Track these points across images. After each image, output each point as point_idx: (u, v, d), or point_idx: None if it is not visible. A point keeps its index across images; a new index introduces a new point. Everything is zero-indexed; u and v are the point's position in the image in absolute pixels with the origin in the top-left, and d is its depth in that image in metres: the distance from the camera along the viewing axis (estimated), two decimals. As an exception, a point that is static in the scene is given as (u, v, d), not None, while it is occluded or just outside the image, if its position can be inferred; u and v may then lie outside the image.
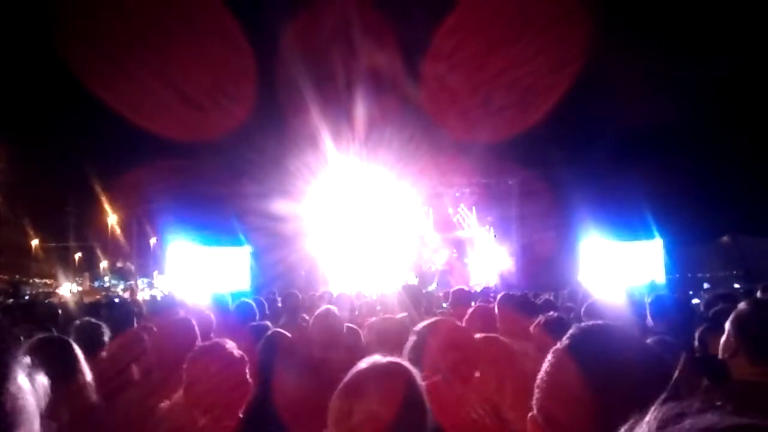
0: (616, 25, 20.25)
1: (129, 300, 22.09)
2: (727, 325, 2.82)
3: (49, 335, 3.43)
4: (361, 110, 23.04)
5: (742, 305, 2.85)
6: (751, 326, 2.73)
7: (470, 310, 4.82)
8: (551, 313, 4.64)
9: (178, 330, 3.85)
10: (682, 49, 20.03)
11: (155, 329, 4.53)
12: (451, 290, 7.10)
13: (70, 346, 3.15)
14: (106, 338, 4.56)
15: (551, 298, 11.39)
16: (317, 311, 4.32)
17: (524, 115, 21.34)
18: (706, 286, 11.15)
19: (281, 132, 22.27)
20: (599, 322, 1.57)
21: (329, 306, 4.46)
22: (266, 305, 6.85)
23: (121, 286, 33.52)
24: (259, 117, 22.90)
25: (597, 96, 20.54)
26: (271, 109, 22.76)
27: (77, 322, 4.81)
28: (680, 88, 20.09)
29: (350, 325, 4.40)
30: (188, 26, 19.93)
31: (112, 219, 31.50)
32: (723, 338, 2.83)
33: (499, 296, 4.64)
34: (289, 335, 4.19)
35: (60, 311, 6.99)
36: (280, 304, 9.20)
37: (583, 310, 6.82)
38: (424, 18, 21.10)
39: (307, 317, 6.55)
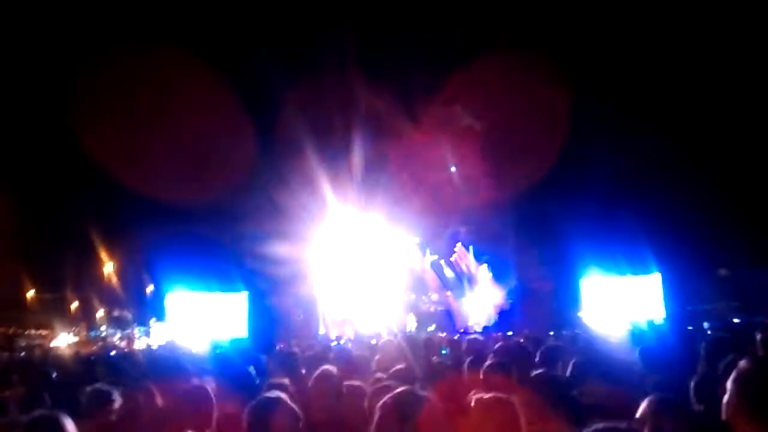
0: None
1: (126, 350, 21.96)
2: (729, 384, 2.80)
3: (41, 415, 3.37)
4: (358, 153, 23.18)
5: (743, 363, 2.83)
6: (753, 386, 2.72)
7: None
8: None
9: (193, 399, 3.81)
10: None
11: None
12: (466, 338, 7.04)
13: (61, 426, 3.14)
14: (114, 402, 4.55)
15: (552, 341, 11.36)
16: (316, 373, 4.29)
17: (519, 158, 21.47)
18: (706, 325, 11.08)
19: (279, 175, 22.32)
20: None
21: (328, 367, 4.42)
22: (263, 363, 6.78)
23: (118, 335, 33.21)
24: (257, 161, 23.03)
25: (591, 130, 20.67)
26: (270, 152, 22.86)
27: (88, 389, 4.77)
28: (674, 121, 20.28)
29: (354, 383, 4.34)
30: (184, 82, 20.09)
31: (109, 267, 31.38)
32: (725, 397, 2.81)
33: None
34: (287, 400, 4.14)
35: (54, 373, 6.90)
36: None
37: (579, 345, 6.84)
38: (422, 66, 21.29)
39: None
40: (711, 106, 20.13)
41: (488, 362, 4.61)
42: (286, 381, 4.42)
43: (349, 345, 12.96)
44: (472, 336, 7.07)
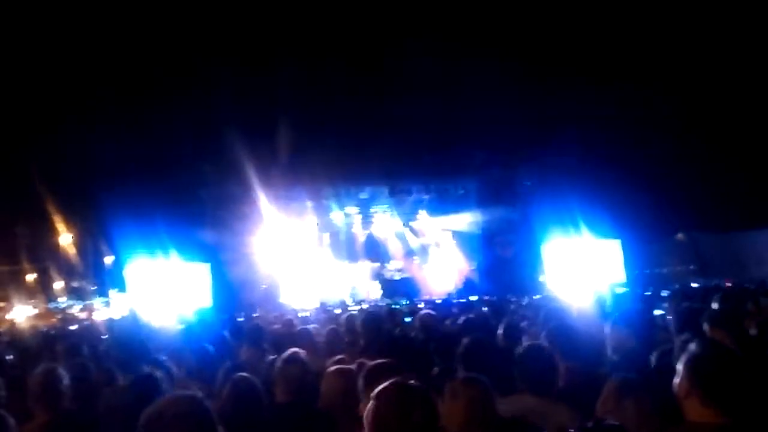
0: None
1: (87, 321, 21.66)
2: (680, 366, 2.85)
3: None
4: (317, 116, 22.83)
5: (694, 347, 2.87)
6: (703, 368, 2.77)
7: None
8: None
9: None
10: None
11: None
12: (419, 315, 7.01)
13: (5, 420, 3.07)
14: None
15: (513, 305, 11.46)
16: (283, 355, 4.24)
17: (480, 119, 21.43)
18: (665, 293, 11.29)
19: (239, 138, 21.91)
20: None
21: (296, 350, 4.37)
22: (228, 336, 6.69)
23: (78, 307, 32.70)
24: (217, 128, 22.59)
25: (554, 98, 20.73)
26: (228, 106, 22.40)
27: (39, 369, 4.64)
28: (634, 88, 20.42)
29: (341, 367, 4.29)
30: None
31: (66, 237, 30.75)
32: (677, 379, 2.85)
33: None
34: (257, 383, 4.09)
35: (9, 355, 6.71)
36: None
37: (543, 316, 6.87)
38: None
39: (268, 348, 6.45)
40: (670, 72, 20.32)
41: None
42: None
43: (312, 314, 12.96)
44: (425, 313, 7.02)
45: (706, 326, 4.76)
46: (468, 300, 16.04)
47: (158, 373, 4.17)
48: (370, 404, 2.69)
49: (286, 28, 20.93)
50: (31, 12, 19.07)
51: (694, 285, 15.71)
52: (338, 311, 13.47)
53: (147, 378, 4.06)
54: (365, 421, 2.67)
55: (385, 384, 2.76)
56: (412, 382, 2.76)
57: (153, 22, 19.88)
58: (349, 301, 21.24)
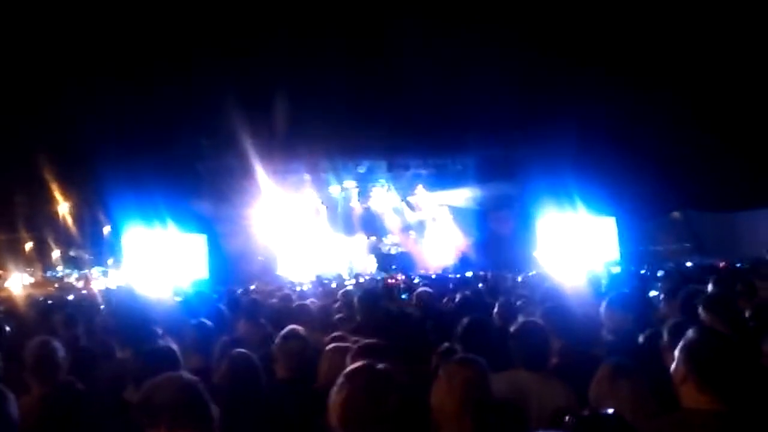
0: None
1: (84, 291, 21.74)
2: (677, 353, 2.88)
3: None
4: (316, 89, 22.68)
5: (690, 333, 2.90)
6: (699, 354, 2.80)
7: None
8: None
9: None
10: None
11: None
12: (416, 292, 7.08)
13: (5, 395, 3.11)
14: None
15: (510, 281, 11.54)
16: (282, 331, 4.29)
17: (479, 95, 21.32)
18: (660, 273, 11.37)
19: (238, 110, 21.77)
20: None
21: (295, 326, 4.41)
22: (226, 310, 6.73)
23: (75, 276, 32.81)
24: (214, 101, 22.47)
25: (552, 77, 20.65)
26: (231, 88, 22.28)
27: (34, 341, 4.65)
28: (631, 68, 20.34)
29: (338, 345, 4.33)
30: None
31: (64, 207, 30.72)
32: (673, 365, 2.89)
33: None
34: (255, 359, 4.12)
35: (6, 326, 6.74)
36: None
37: (540, 295, 6.94)
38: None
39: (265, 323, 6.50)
40: (668, 54, 20.22)
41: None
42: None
43: (309, 289, 13.03)
44: (421, 290, 7.07)
45: (701, 310, 4.81)
46: (464, 276, 16.13)
47: (174, 346, 4.18)
48: (339, 385, 2.56)
49: (284, 1, 20.74)
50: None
51: (689, 264, 15.78)
52: (334, 285, 13.54)
53: (166, 350, 4.07)
54: (332, 405, 2.53)
55: (357, 365, 2.66)
56: (383, 365, 2.62)
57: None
58: (345, 275, 21.33)
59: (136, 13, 19.69)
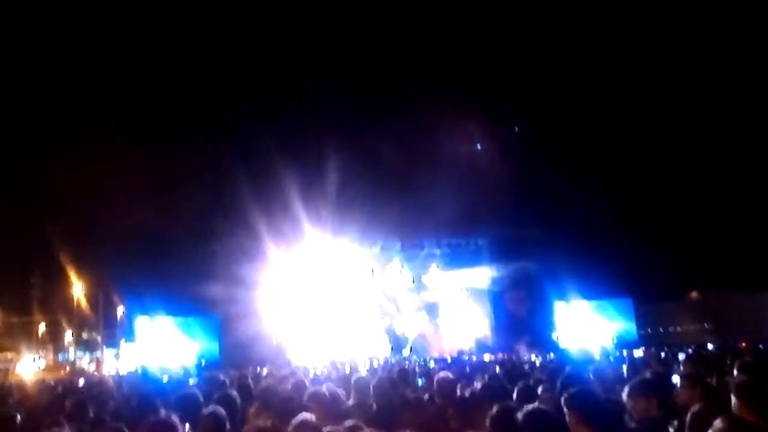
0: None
1: (95, 373, 21.51)
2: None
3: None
4: (332, 168, 23.04)
5: (719, 423, 2.80)
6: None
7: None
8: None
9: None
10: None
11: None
12: (436, 378, 6.87)
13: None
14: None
15: (529, 362, 11.30)
16: (295, 422, 4.15)
17: (493, 177, 21.55)
18: (681, 356, 11.12)
19: (253, 197, 22.13)
20: None
21: (306, 416, 4.28)
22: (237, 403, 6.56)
23: (87, 359, 32.58)
24: (226, 179, 22.86)
25: (567, 161, 20.89)
26: (243, 173, 22.71)
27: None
28: (648, 152, 20.57)
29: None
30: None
31: (78, 289, 30.75)
32: None
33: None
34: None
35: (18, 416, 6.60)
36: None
37: (560, 382, 6.73)
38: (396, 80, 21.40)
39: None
40: (682, 142, 20.46)
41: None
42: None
43: (323, 374, 12.78)
44: (442, 375, 6.87)
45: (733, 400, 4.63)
46: (480, 359, 15.83)
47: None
48: None
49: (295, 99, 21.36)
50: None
51: (710, 346, 15.43)
52: (348, 370, 13.30)
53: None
54: None
55: None
56: None
57: (166, 74, 20.30)
58: (359, 361, 21.00)
59: (154, 96, 20.28)
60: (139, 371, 21.19)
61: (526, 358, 14.13)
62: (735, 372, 6.36)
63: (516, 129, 20.70)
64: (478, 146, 21.85)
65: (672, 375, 7.70)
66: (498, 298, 25.25)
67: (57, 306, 31.90)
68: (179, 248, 22.48)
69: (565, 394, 4.84)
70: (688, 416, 3.79)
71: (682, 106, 20.07)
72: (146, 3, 20.04)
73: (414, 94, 21.64)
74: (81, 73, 19.95)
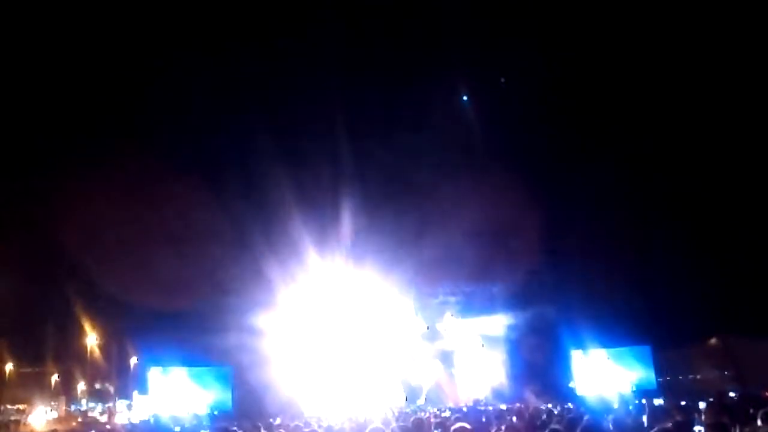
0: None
1: (107, 426, 21.35)
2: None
3: None
4: (346, 217, 23.07)
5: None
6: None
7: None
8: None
9: None
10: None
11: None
12: (452, 429, 6.73)
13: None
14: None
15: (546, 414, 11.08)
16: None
17: (511, 226, 21.56)
18: (702, 405, 10.88)
19: (265, 244, 22.19)
20: None
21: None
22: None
23: (99, 409, 32.33)
24: (241, 227, 22.96)
25: (582, 206, 20.88)
26: (254, 219, 22.81)
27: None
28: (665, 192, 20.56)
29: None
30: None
31: (91, 339, 30.74)
32: None
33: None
34: None
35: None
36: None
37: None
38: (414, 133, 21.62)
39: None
40: (700, 180, 20.41)
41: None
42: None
43: (337, 425, 12.58)
44: (459, 426, 6.73)
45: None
46: (498, 408, 15.56)
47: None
48: None
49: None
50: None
51: (732, 394, 15.08)
52: (363, 420, 13.08)
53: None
54: None
55: None
56: None
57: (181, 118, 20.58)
58: (373, 411, 20.71)
59: (168, 142, 20.53)
60: (152, 421, 21.07)
61: (543, 407, 13.88)
62: (759, 422, 6.20)
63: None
64: (495, 195, 21.82)
65: (694, 424, 7.53)
66: (514, 346, 24.92)
67: (70, 356, 31.84)
68: (192, 299, 22.44)
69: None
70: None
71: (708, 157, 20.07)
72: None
73: (426, 142, 21.76)
74: (95, 128, 20.25)
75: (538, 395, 19.41)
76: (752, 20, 17.79)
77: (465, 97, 22.61)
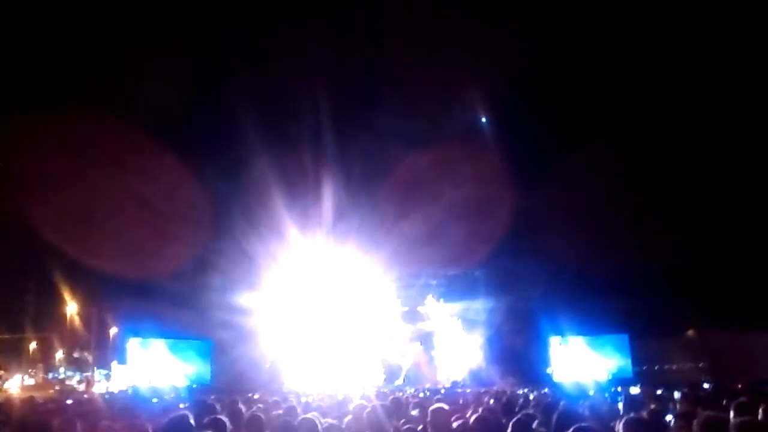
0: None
1: (84, 394, 21.29)
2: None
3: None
4: (328, 197, 23.03)
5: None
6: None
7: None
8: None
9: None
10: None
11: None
12: (430, 409, 6.79)
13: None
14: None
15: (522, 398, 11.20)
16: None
17: (492, 209, 21.57)
18: (677, 395, 11.02)
19: (248, 224, 22.15)
20: None
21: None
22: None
23: (77, 378, 32.27)
24: (223, 206, 22.87)
25: (564, 193, 20.94)
26: (238, 200, 22.75)
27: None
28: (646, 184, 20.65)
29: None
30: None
31: (72, 308, 30.59)
32: None
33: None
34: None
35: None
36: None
37: (555, 418, 6.64)
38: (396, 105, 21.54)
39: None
40: (681, 170, 20.52)
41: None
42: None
43: (315, 401, 12.65)
44: (437, 407, 6.79)
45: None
46: (475, 391, 15.70)
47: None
48: None
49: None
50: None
51: (706, 386, 15.32)
52: (341, 397, 13.16)
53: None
54: None
55: None
56: None
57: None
58: (352, 389, 20.86)
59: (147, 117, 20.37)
60: (130, 391, 21.06)
61: (520, 392, 14.03)
62: (731, 412, 6.30)
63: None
64: (477, 176, 21.84)
65: (667, 413, 7.65)
66: (493, 330, 25.10)
67: (49, 324, 31.71)
68: (174, 274, 22.35)
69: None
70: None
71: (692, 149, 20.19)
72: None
73: (410, 126, 21.75)
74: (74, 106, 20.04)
75: (515, 379, 19.60)
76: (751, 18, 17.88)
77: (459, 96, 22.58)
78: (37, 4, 18.82)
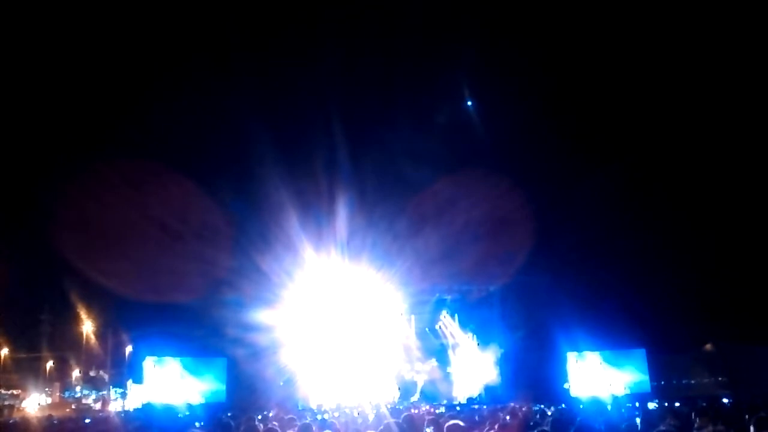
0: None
1: (101, 413, 21.39)
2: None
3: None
4: (342, 215, 23.08)
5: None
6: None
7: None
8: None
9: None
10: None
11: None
12: (446, 425, 6.76)
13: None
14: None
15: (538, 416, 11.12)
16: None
17: (508, 225, 21.56)
18: (695, 410, 10.90)
19: (261, 239, 22.22)
20: None
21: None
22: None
23: (93, 396, 32.34)
24: (238, 224, 22.97)
25: (580, 209, 20.89)
26: (250, 215, 22.84)
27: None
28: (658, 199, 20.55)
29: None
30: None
31: (88, 327, 30.76)
32: None
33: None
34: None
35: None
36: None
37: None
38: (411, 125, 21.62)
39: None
40: (697, 186, 20.44)
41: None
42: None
43: (330, 418, 12.63)
44: (452, 423, 6.76)
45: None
46: (491, 407, 15.60)
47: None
48: None
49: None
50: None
51: (725, 401, 15.16)
52: (356, 414, 13.16)
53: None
54: None
55: None
56: None
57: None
58: (366, 405, 20.76)
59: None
60: (145, 409, 21.10)
61: (536, 408, 13.94)
62: (751, 428, 6.24)
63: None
64: (491, 194, 21.83)
65: (691, 429, 7.57)
66: (509, 346, 24.94)
67: (65, 343, 31.87)
68: (189, 293, 22.42)
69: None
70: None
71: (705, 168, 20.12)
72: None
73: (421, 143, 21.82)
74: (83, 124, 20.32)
75: (531, 396, 19.43)
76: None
77: (468, 101, 22.63)
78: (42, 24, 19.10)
